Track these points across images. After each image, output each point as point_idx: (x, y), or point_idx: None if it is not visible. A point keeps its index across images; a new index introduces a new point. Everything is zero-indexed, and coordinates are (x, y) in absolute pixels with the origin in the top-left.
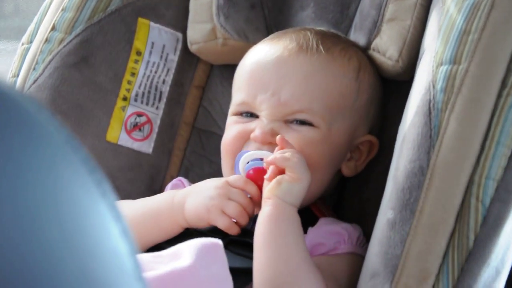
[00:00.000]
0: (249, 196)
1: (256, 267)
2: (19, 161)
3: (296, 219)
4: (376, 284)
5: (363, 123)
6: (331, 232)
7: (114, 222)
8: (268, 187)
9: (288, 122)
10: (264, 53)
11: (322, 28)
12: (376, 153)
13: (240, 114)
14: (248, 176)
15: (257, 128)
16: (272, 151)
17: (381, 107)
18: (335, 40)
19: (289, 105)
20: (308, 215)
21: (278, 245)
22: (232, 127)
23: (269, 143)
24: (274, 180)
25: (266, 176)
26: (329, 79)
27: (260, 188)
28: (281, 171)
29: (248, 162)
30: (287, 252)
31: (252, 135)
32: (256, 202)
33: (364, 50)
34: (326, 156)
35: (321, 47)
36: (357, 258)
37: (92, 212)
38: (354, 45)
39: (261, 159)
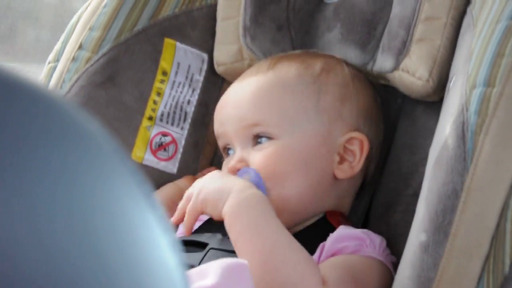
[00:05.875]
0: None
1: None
2: (74, 171)
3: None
4: None
5: (338, 122)
6: (351, 237)
7: (163, 234)
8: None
9: (254, 145)
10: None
11: (296, 51)
12: (399, 171)
13: (224, 149)
14: None
15: (231, 161)
16: None
17: (363, 103)
18: (295, 56)
19: (245, 120)
20: (325, 225)
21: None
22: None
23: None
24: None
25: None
26: (278, 89)
27: None
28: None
29: None
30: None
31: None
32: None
33: (333, 56)
34: (294, 162)
35: (271, 67)
36: (382, 267)
37: (143, 224)
38: (322, 55)
39: None
